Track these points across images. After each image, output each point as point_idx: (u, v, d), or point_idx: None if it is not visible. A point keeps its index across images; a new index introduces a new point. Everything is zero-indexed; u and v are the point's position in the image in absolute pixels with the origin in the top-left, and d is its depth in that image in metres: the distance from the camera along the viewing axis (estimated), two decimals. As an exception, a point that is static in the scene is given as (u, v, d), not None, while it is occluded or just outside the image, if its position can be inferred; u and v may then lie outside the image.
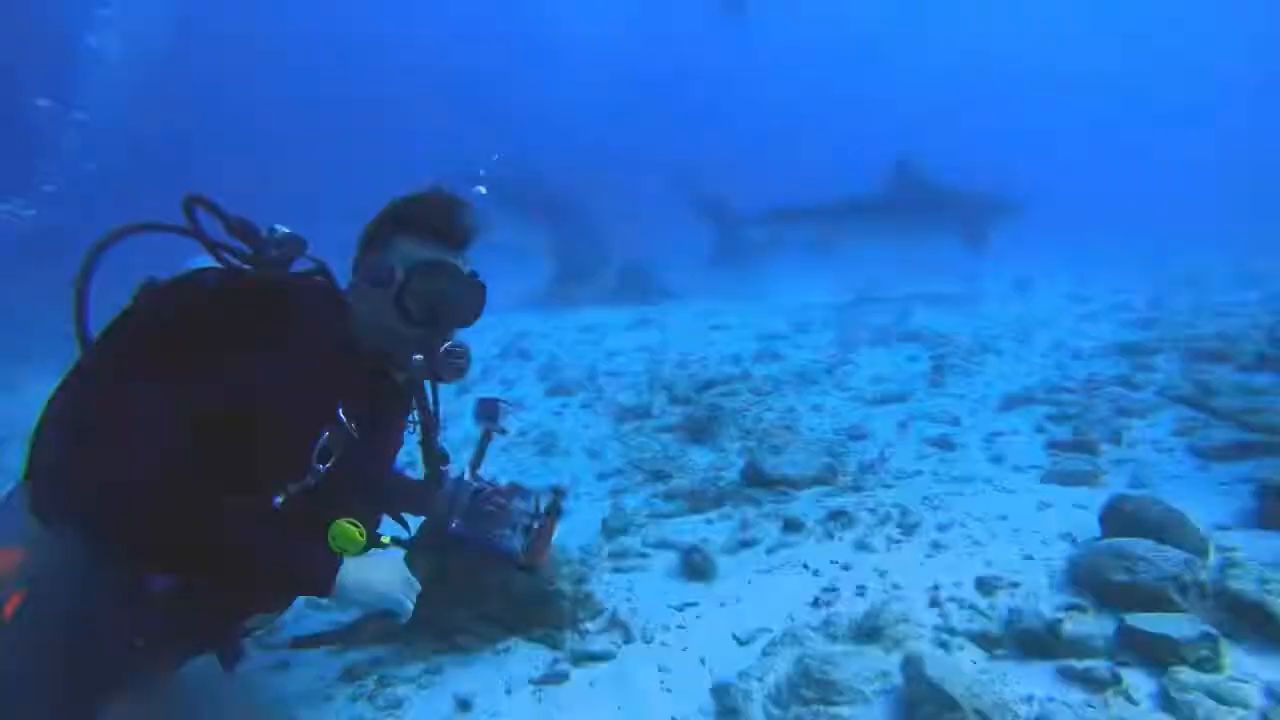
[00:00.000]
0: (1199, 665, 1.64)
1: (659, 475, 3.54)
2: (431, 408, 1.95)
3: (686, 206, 10.00)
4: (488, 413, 2.06)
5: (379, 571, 1.52)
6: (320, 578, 1.41)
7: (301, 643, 1.96)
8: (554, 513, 2.04)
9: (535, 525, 2.00)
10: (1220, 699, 1.53)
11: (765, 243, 9.78)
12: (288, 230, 1.67)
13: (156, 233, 1.60)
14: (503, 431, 2.12)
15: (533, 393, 5.60)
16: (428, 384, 1.91)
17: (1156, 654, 1.69)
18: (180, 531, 1.29)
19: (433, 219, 1.64)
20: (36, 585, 1.42)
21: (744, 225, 9.78)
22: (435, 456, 2.03)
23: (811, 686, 1.72)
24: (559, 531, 2.23)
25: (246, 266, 1.61)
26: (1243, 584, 1.84)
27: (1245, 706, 1.52)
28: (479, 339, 7.91)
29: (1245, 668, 1.66)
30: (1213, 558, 2.17)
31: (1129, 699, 1.59)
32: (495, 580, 2.24)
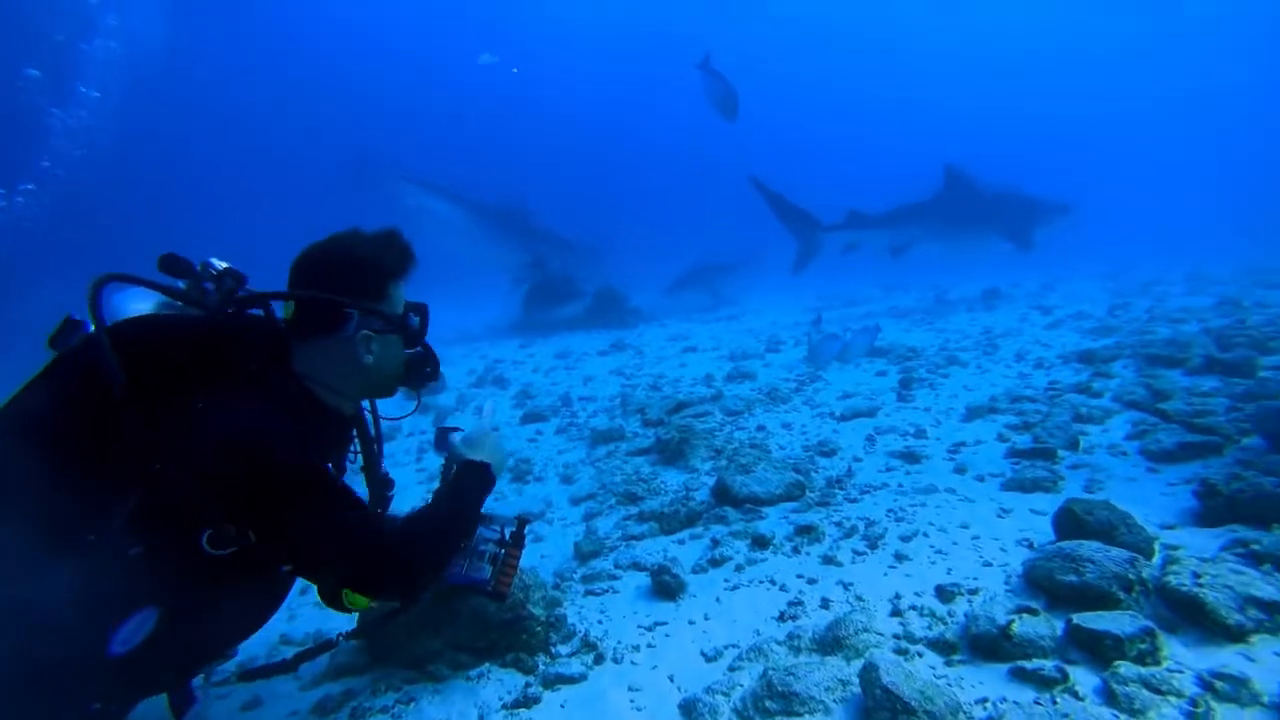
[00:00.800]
0: (1139, 659, 1.72)
1: (631, 498, 3.58)
2: (373, 435, 2.09)
3: (768, 215, 10.39)
4: (446, 443, 2.13)
5: (486, 446, 2.02)
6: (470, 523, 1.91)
7: (251, 674, 1.97)
8: (519, 540, 2.08)
9: (501, 553, 2.04)
10: (1155, 689, 1.61)
11: (842, 248, 10.30)
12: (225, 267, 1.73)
13: (136, 284, 1.64)
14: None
15: (509, 419, 5.62)
16: (368, 415, 2.08)
17: (1100, 650, 1.77)
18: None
19: (409, 264, 1.83)
20: None
21: (822, 233, 10.23)
22: (379, 483, 2.12)
23: (775, 698, 1.77)
24: (531, 556, 2.28)
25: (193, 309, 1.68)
26: (1180, 579, 1.93)
27: (1179, 695, 1.60)
28: (455, 368, 7.92)
29: (1181, 658, 1.74)
30: (1157, 556, 2.26)
31: (1075, 695, 1.66)
32: (466, 607, 2.27)
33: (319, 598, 1.80)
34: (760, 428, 4.50)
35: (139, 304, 1.61)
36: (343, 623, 2.66)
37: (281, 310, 1.70)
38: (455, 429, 2.16)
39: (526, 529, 2.14)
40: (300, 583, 2.61)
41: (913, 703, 1.56)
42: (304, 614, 2.94)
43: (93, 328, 1.50)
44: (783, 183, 10.21)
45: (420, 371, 1.95)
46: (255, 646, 2.54)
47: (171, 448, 1.45)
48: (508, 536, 2.08)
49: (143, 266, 1.64)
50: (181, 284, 1.66)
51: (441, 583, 2.03)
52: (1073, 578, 2.03)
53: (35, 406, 1.49)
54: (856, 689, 1.76)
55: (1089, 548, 2.11)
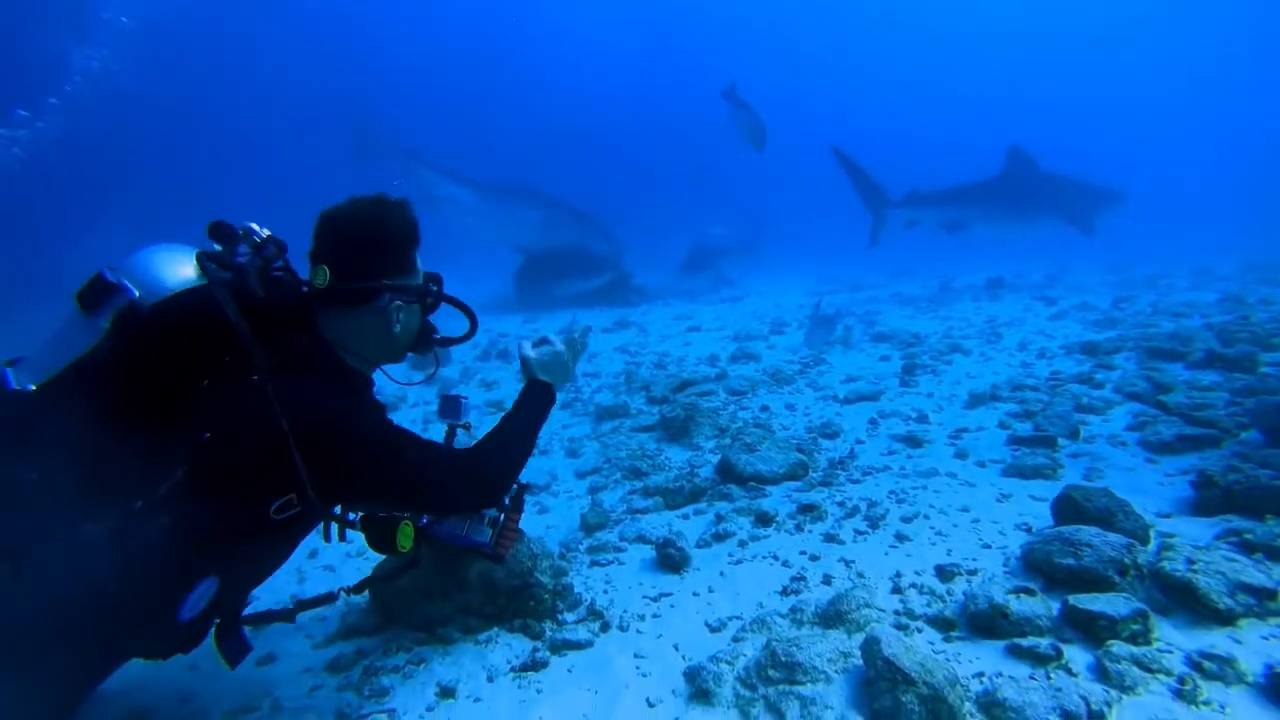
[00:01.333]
0: (1131, 639, 1.78)
1: (636, 473, 3.64)
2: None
3: (847, 191, 10.55)
4: (450, 410, 2.24)
5: (555, 369, 2.26)
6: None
7: (253, 619, 2.05)
8: (518, 505, 2.19)
9: (500, 517, 2.13)
10: (1146, 667, 1.67)
11: (908, 225, 10.40)
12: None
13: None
14: (465, 427, 2.24)
15: (512, 394, 5.66)
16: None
17: (1094, 630, 1.83)
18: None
19: (419, 232, 1.90)
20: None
21: (892, 209, 10.34)
22: None
23: (778, 668, 1.83)
24: (537, 527, 2.36)
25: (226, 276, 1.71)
26: (1174, 565, 1.98)
27: (1168, 674, 1.66)
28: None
29: (1171, 640, 1.80)
30: (1153, 543, 2.32)
31: (1069, 671, 1.72)
32: (476, 573, 2.33)
33: (369, 545, 1.90)
34: (764, 408, 4.55)
35: (181, 268, 1.62)
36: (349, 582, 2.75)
37: (311, 275, 1.73)
38: (460, 396, 2.25)
39: (528, 497, 2.22)
40: (307, 544, 2.67)
41: (913, 674, 1.62)
42: (314, 576, 3.01)
43: (136, 293, 1.55)
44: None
45: (427, 338, 2.04)
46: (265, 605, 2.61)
47: (226, 420, 1.51)
48: (507, 501, 2.18)
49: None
50: (223, 249, 1.69)
51: (442, 543, 2.14)
52: (1070, 561, 2.09)
53: (95, 369, 1.51)
54: (857, 661, 1.82)
55: (1087, 533, 2.16)
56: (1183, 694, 1.59)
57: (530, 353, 2.27)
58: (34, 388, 1.46)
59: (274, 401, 1.51)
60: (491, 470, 1.96)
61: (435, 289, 1.97)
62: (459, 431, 2.31)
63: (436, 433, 4.40)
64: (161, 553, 1.46)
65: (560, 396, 5.39)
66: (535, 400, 2.18)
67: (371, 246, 1.78)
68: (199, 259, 1.64)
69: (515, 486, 2.20)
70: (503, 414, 2.13)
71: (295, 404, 1.53)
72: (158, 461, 1.48)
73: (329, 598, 2.07)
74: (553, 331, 2.41)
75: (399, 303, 1.83)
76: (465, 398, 2.29)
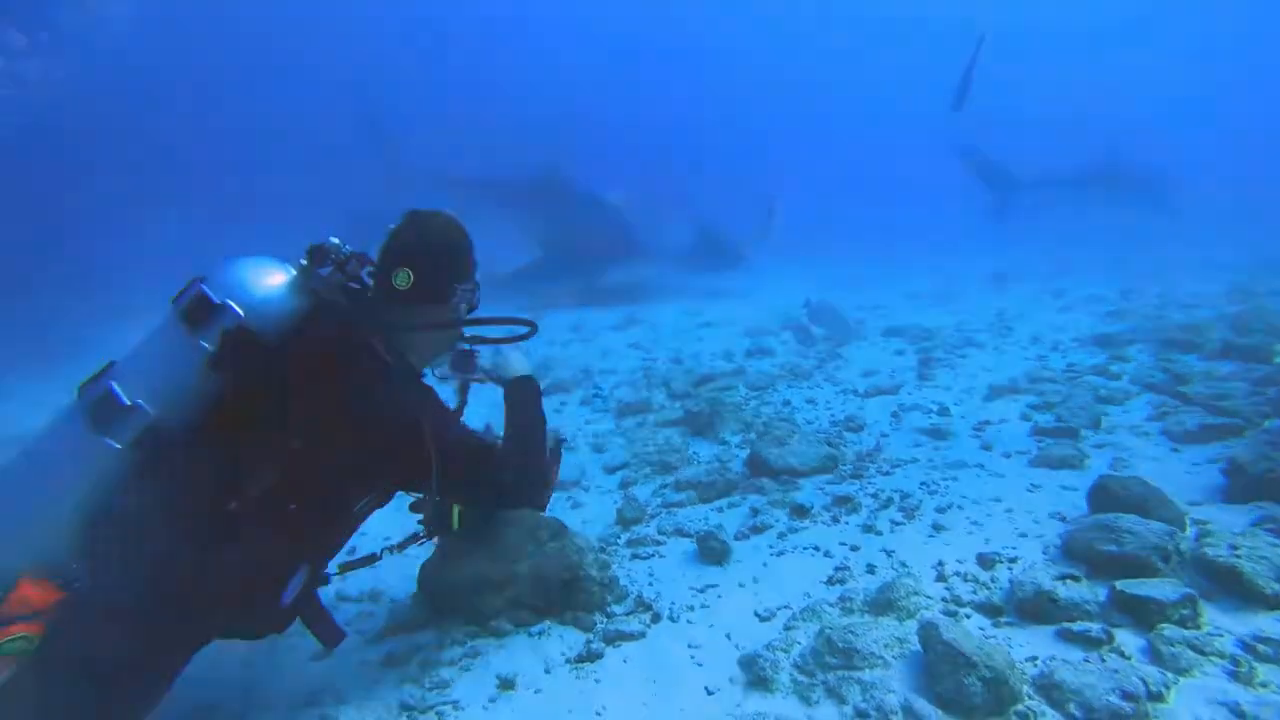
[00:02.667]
0: (1181, 623, 1.83)
1: (666, 467, 3.68)
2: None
3: (966, 172, 11.14)
4: (461, 364, 2.28)
5: (513, 361, 2.36)
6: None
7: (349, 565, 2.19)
8: (556, 456, 2.38)
9: None
10: (1199, 650, 1.72)
11: (1030, 205, 11.35)
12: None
13: None
14: (480, 380, 2.31)
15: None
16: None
17: (1143, 614, 1.87)
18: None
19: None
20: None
21: (1016, 190, 11.22)
22: None
23: (835, 654, 1.87)
24: (573, 521, 2.44)
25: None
26: (1217, 550, 2.03)
27: (1221, 656, 1.71)
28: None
29: (1220, 623, 1.85)
30: (1189, 529, 2.37)
31: (1121, 654, 1.77)
32: (526, 567, 2.37)
33: (422, 526, 2.17)
34: (786, 402, 4.59)
35: (272, 281, 1.71)
36: (394, 584, 2.80)
37: (387, 277, 1.82)
38: (473, 351, 2.28)
39: (560, 494, 2.34)
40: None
41: (974, 657, 1.66)
42: (355, 572, 3.03)
43: (242, 313, 1.64)
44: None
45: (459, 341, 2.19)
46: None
47: (315, 429, 1.61)
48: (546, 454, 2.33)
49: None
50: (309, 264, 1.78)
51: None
52: (1113, 547, 2.14)
53: (204, 390, 1.61)
54: (913, 646, 1.87)
55: (1128, 520, 2.21)
56: (1238, 675, 1.64)
57: (486, 363, 2.34)
58: (152, 413, 1.54)
59: (357, 407, 1.62)
60: (527, 459, 2.20)
61: (478, 293, 2.12)
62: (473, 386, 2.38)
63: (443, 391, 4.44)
64: (267, 548, 1.54)
65: (579, 393, 5.44)
66: (517, 395, 2.29)
67: (450, 252, 1.95)
68: (301, 277, 1.75)
69: (552, 440, 2.40)
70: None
71: (379, 412, 1.67)
72: (252, 468, 1.59)
73: (371, 559, 2.17)
74: (561, 329, 2.55)
75: (464, 307, 2.00)
76: (478, 351, 2.34)
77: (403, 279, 1.82)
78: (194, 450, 1.53)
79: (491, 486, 2.10)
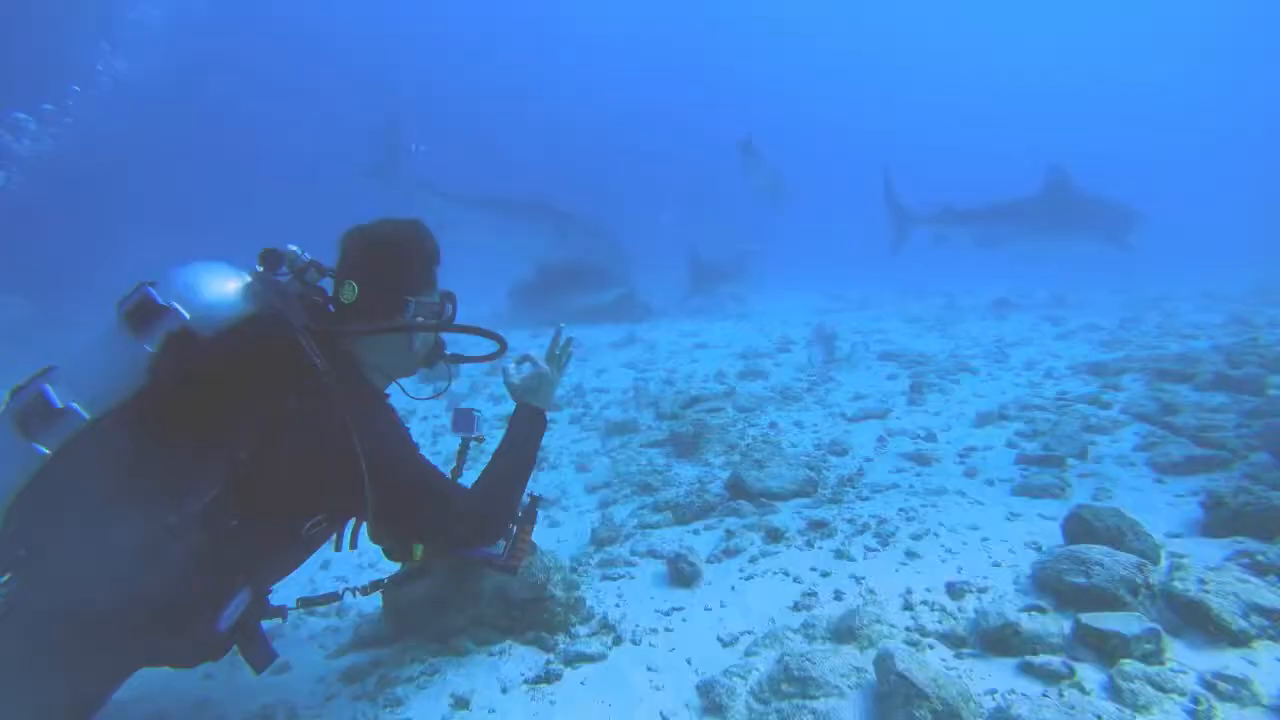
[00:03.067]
0: (1144, 658, 1.79)
1: (646, 488, 3.66)
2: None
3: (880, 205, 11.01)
4: (464, 423, 2.27)
5: (542, 391, 2.28)
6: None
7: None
8: (531, 517, 2.23)
9: (513, 530, 2.16)
10: (1159, 687, 1.68)
11: (933, 239, 10.76)
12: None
13: None
14: (479, 440, 2.28)
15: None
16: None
17: (1106, 648, 1.83)
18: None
19: (440, 251, 1.98)
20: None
21: (916, 223, 10.73)
22: None
23: (791, 682, 1.84)
24: (548, 541, 2.40)
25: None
26: (1185, 584, 1.99)
27: (1181, 694, 1.67)
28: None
29: (1184, 659, 1.81)
30: (1164, 562, 2.33)
31: (1081, 689, 1.73)
32: (490, 586, 2.35)
33: (386, 555, 2.09)
34: (772, 425, 4.57)
35: (224, 288, 1.63)
36: (361, 600, 2.77)
37: (336, 291, 1.80)
38: (472, 410, 2.28)
39: (540, 510, 2.25)
40: (319, 556, 2.70)
41: (926, 690, 1.63)
42: (325, 586, 3.02)
43: (188, 315, 1.58)
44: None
45: (439, 353, 2.10)
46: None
47: (261, 441, 1.55)
48: (520, 514, 2.21)
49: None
50: (264, 270, 1.73)
51: (455, 554, 2.19)
52: (1081, 579, 2.10)
53: (142, 392, 1.52)
54: (870, 676, 1.83)
55: (1097, 551, 2.17)
56: (1197, 714, 1.60)
57: (514, 378, 2.25)
58: (87, 416, 1.46)
59: (303, 423, 1.56)
60: (498, 509, 2.04)
61: (451, 307, 2.02)
62: (471, 444, 2.35)
63: (447, 446, 4.42)
64: (205, 566, 1.50)
65: (568, 411, 5.43)
66: (524, 427, 2.17)
67: (398, 263, 1.84)
68: (255, 282, 1.67)
69: (528, 499, 2.26)
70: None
71: (324, 429, 1.59)
72: (193, 479, 1.51)
73: (333, 597, 2.15)
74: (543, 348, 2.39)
75: (421, 319, 1.87)
76: (478, 411, 2.31)
77: (348, 292, 1.75)
78: (131, 458, 1.46)
79: (438, 533, 1.95)
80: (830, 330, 6.92)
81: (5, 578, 1.44)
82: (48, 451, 1.43)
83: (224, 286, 1.63)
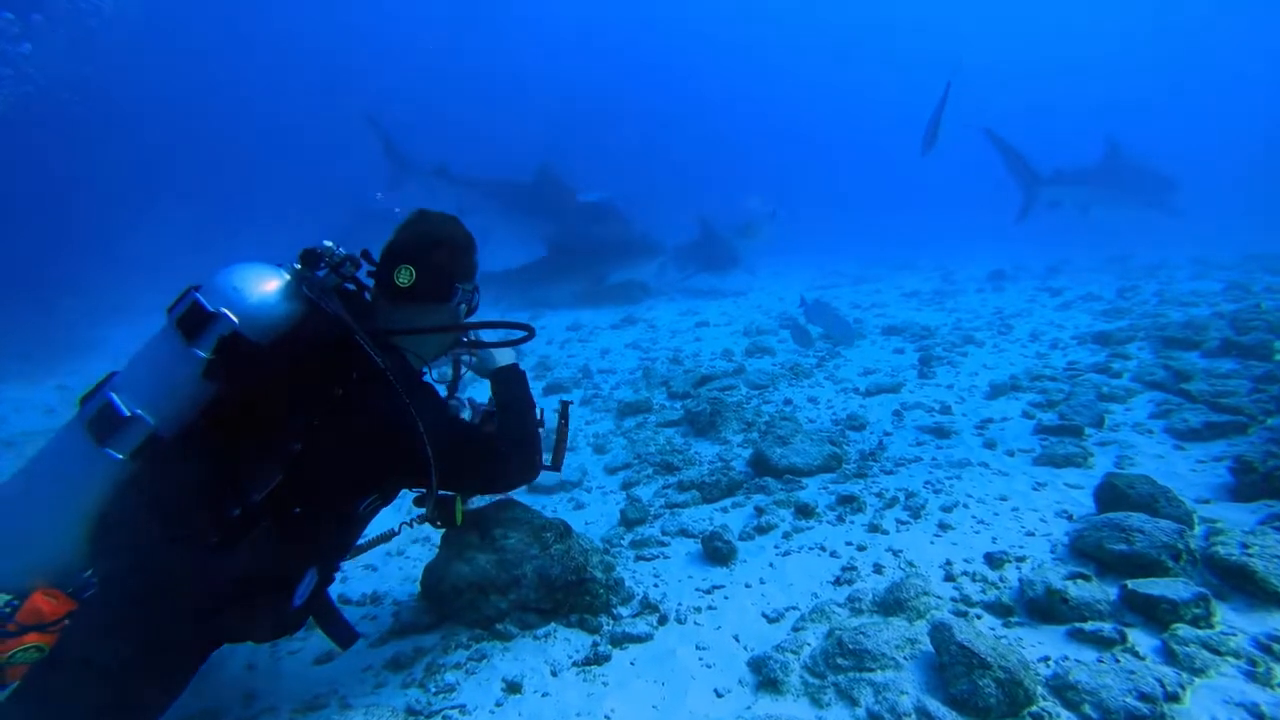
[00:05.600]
0: (1194, 622, 1.81)
1: (668, 468, 3.65)
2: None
3: (1000, 169, 11.25)
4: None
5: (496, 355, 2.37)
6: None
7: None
8: (565, 415, 2.46)
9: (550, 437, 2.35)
10: (1215, 650, 1.70)
11: (1052, 203, 11.19)
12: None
13: None
14: (473, 354, 2.36)
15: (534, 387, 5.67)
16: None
17: (1156, 614, 1.86)
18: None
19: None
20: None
21: (1041, 186, 11.04)
22: None
23: (846, 655, 1.85)
24: (576, 523, 2.44)
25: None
26: (1228, 549, 2.02)
27: (1237, 656, 1.69)
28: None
29: (1233, 623, 1.84)
30: (1198, 528, 2.36)
31: (1135, 655, 1.75)
32: (531, 569, 2.34)
33: (430, 522, 2.15)
34: (787, 401, 4.58)
35: (266, 286, 1.70)
36: (396, 587, 2.78)
37: (390, 275, 1.84)
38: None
39: (563, 495, 2.31)
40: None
41: (988, 658, 1.65)
42: (355, 575, 3.01)
43: (237, 321, 1.64)
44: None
45: (458, 339, 2.21)
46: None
47: (315, 431, 1.62)
48: (559, 418, 2.48)
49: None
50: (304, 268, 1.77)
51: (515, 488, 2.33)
52: (1123, 546, 2.12)
53: (203, 400, 1.62)
54: (924, 647, 1.85)
55: (1137, 518, 2.20)
56: (1255, 676, 1.62)
57: (468, 359, 2.37)
58: (152, 422, 1.55)
59: (354, 409, 1.64)
60: (524, 441, 2.20)
61: (478, 296, 2.13)
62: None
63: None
64: (274, 552, 1.53)
65: (578, 393, 5.41)
66: (504, 380, 2.33)
67: (451, 252, 1.94)
68: (296, 281, 1.73)
69: (560, 404, 2.53)
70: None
71: (376, 412, 1.68)
72: (254, 473, 1.59)
73: (388, 536, 2.35)
74: (558, 329, 2.55)
75: (465, 305, 2.00)
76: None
77: (405, 276, 1.82)
78: (195, 458, 1.54)
79: (491, 475, 2.11)
80: (826, 303, 6.89)
81: (89, 573, 1.50)
82: (121, 457, 1.52)
83: (267, 287, 1.70)
